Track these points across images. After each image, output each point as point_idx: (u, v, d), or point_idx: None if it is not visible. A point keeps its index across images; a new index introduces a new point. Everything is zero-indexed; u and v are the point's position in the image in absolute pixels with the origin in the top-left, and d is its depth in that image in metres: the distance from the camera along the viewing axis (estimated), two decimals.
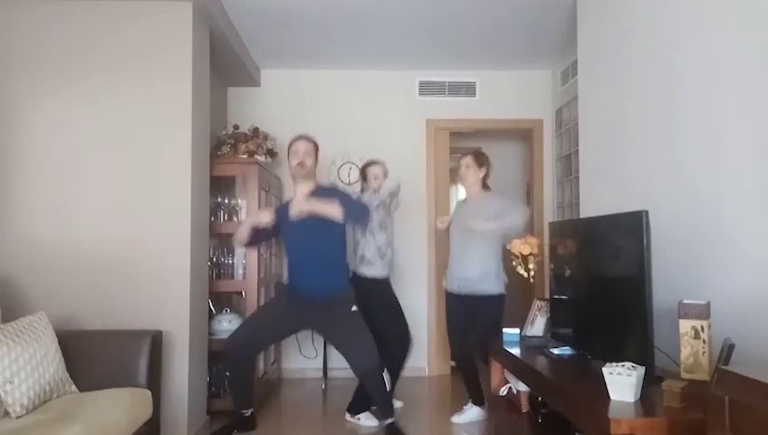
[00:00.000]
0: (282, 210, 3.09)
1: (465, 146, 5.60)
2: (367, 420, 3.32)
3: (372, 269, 3.41)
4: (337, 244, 3.11)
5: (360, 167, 3.84)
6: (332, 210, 2.88)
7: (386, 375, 3.05)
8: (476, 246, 3.25)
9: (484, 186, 3.42)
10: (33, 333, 2.32)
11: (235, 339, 3.05)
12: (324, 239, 3.03)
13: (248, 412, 3.17)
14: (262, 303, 3.66)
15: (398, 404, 3.55)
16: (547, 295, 3.15)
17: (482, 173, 3.36)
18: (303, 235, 3.02)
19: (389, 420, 3.08)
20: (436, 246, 4.65)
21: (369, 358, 2.98)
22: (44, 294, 2.90)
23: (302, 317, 3.10)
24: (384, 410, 3.10)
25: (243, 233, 3.05)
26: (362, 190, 3.64)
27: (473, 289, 3.26)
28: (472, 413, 3.36)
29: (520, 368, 2.54)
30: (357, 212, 3.00)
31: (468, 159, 3.37)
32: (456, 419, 3.37)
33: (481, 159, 3.38)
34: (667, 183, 2.32)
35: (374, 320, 3.18)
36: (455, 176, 6.36)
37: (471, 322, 3.29)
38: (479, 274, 3.24)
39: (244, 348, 3.06)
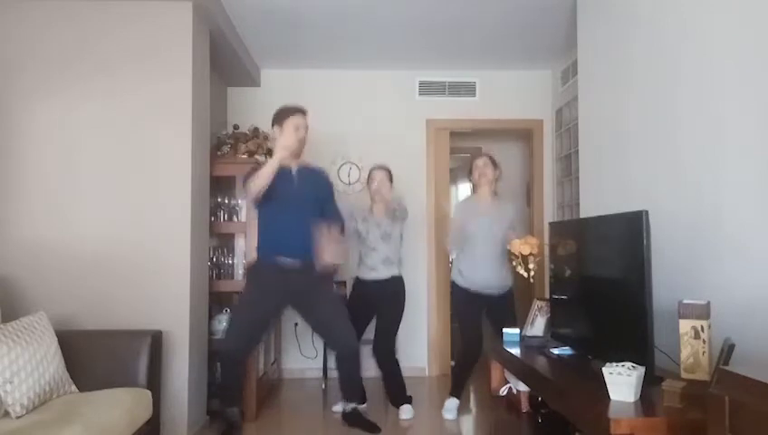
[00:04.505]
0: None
1: (465, 146, 5.63)
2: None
3: (376, 273, 3.55)
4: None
5: (359, 166, 3.87)
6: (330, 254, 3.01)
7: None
8: (501, 252, 3.43)
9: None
10: (33, 333, 2.32)
11: (231, 338, 3.04)
12: (314, 211, 3.12)
13: (237, 410, 3.15)
14: None
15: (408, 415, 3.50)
16: (547, 295, 3.15)
17: (497, 174, 3.55)
18: (297, 200, 3.07)
19: (353, 405, 3.18)
20: (437, 247, 4.65)
21: (351, 337, 3.13)
22: (44, 295, 2.90)
23: (283, 289, 3.05)
24: (353, 392, 3.22)
25: (266, 176, 2.88)
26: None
27: (497, 290, 3.44)
28: (455, 404, 3.51)
29: (520, 368, 2.54)
30: (332, 218, 3.18)
31: (486, 159, 3.54)
32: (450, 415, 3.47)
33: (495, 161, 3.58)
34: (668, 183, 2.32)
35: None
36: (455, 176, 6.37)
37: (482, 314, 3.50)
38: (506, 275, 3.46)
39: (241, 345, 3.06)
